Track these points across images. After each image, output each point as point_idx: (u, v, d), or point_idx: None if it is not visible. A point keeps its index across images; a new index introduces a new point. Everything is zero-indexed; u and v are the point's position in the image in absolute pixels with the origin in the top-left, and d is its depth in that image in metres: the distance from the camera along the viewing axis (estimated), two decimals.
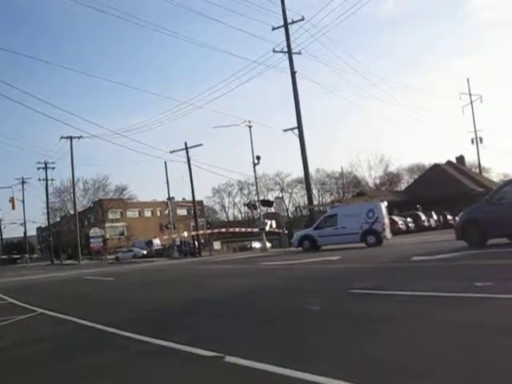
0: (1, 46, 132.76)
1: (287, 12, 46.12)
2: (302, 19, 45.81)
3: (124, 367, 6.32)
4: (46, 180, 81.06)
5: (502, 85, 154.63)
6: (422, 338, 6.11)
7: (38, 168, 80.00)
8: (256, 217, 62.28)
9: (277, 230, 53.00)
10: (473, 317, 6.93)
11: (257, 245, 58.43)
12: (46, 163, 79.52)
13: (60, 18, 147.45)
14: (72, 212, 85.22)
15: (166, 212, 71.03)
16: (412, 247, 24.35)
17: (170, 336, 7.53)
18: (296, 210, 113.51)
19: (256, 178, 53.29)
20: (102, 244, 76.45)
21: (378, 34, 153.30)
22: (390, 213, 46.87)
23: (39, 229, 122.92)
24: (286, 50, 46.10)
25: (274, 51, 46.69)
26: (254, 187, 58.78)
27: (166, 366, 6.16)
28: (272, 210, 60.61)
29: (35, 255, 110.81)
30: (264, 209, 58.72)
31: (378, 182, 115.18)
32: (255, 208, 58.53)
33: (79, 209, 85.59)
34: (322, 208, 60.31)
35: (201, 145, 58.92)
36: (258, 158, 49.50)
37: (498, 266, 12.69)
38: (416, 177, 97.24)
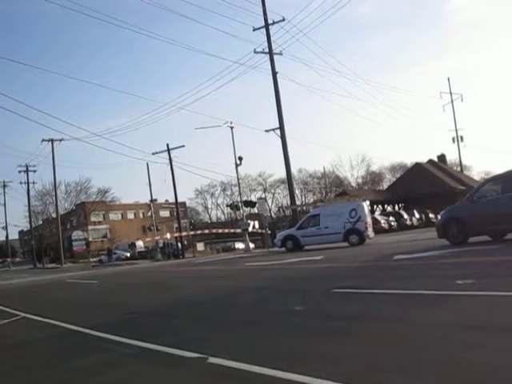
0: None
1: (268, 13, 46.23)
2: (283, 20, 45.92)
3: (106, 371, 6.31)
4: (28, 183, 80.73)
5: (482, 84, 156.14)
6: (401, 337, 6.15)
7: (20, 171, 79.69)
8: (239, 218, 62.26)
9: (260, 231, 53.04)
10: (453, 315, 6.98)
11: (240, 246, 58.49)
12: (27, 166, 79.14)
13: (42, 22, 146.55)
14: (54, 215, 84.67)
15: (149, 214, 70.86)
16: (394, 246, 24.44)
17: (154, 338, 7.53)
18: (279, 210, 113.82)
19: (238, 179, 53.34)
20: (84, 247, 76.13)
21: (357, 35, 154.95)
22: (372, 212, 47.06)
23: (21, 232, 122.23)
24: (267, 50, 46.17)
25: (255, 52, 46.73)
26: (237, 188, 58.75)
27: (149, 368, 6.17)
28: (255, 210, 60.61)
29: (17, 259, 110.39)
30: (247, 209, 58.74)
31: (360, 181, 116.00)
32: (238, 209, 58.59)
33: (61, 212, 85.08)
34: (304, 208, 60.43)
35: (183, 146, 58.92)
36: (240, 158, 49.46)
37: (479, 264, 12.76)
38: (398, 176, 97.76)
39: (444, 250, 17.08)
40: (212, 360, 5.91)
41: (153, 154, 58.33)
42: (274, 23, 45.93)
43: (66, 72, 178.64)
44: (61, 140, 68.32)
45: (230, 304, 11.20)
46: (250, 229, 51.60)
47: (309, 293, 11.21)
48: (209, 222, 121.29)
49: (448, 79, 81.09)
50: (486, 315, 6.75)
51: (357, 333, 6.61)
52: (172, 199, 66.09)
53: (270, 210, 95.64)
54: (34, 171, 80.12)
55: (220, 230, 68.72)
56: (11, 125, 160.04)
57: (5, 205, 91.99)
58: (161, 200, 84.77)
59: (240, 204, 55.44)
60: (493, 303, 7.56)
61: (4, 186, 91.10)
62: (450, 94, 79.49)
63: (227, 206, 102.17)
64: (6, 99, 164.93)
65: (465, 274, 10.35)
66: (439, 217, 22.24)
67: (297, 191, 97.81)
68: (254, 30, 46.55)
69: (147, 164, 60.77)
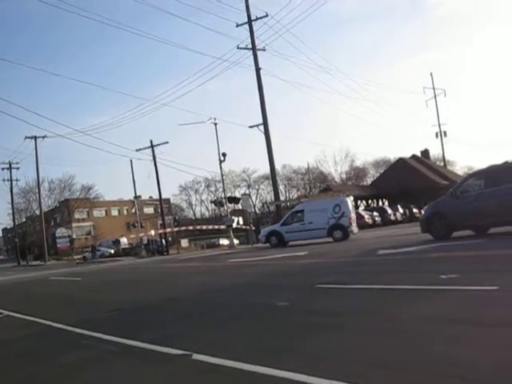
0: None
1: (251, 9, 46.18)
2: (266, 16, 45.93)
3: (90, 368, 6.29)
4: (11, 180, 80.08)
5: (465, 78, 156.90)
6: (385, 332, 6.17)
7: (3, 168, 79.06)
8: (223, 214, 62.15)
9: (244, 227, 53.06)
10: (437, 309, 7.01)
11: (224, 242, 58.42)
12: (10, 163, 78.45)
13: (28, 19, 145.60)
14: (38, 212, 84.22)
15: (133, 211, 70.64)
16: (378, 241, 24.51)
17: (137, 335, 7.52)
18: (263, 206, 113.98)
19: (222, 175, 53.22)
20: (68, 244, 75.83)
21: (339, 30, 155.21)
22: (356, 207, 47.17)
23: (4, 230, 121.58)
24: (250, 46, 46.11)
25: (239, 48, 46.70)
26: (221, 184, 58.65)
27: (133, 365, 6.16)
28: (239, 206, 60.59)
29: (1, 257, 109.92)
30: (231, 206, 58.77)
31: (344, 176, 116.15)
32: (222, 205, 58.47)
33: (45, 209, 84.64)
34: (288, 204, 60.50)
35: (167, 143, 58.63)
36: (224, 155, 49.46)
37: (462, 258, 12.84)
38: (382, 171, 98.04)
39: (428, 245, 17.15)
40: (196, 357, 5.90)
41: (136, 150, 58.22)
42: (257, 19, 45.96)
43: (52, 69, 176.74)
44: (44, 137, 68.02)
45: (213, 300, 11.18)
46: (235, 225, 51.61)
47: (293, 288, 11.23)
48: (193, 218, 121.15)
49: (431, 74, 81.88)
50: (471, 309, 6.77)
51: (340, 328, 6.62)
52: (156, 196, 65.90)
53: (254, 206, 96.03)
54: (17, 168, 79.54)
55: (204, 227, 68.57)
56: None
57: None
58: (145, 196, 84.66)
59: (224, 200, 55.39)
60: (477, 297, 7.59)
61: None
62: (433, 89, 79.86)
63: (211, 202, 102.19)
64: None
65: (448, 269, 10.41)
66: (423, 212, 22.36)
67: (281, 187, 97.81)
68: (237, 25, 46.51)
69: (131, 161, 60.55)
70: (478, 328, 5.80)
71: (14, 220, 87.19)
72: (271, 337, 6.66)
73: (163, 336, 7.39)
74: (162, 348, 6.55)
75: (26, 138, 68.84)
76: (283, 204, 53.18)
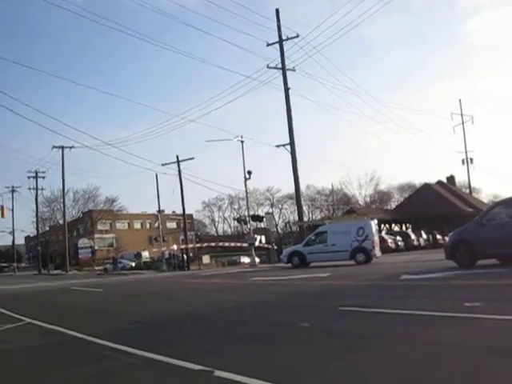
0: None
1: (282, 29, 46.37)
2: (297, 36, 46.02)
3: (110, 379, 6.29)
4: (37, 189, 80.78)
5: (493, 107, 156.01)
6: (409, 356, 6.11)
7: (29, 177, 79.79)
8: (245, 232, 62.10)
9: (266, 246, 52.92)
10: (462, 337, 6.94)
11: (245, 260, 58.28)
12: (36, 172, 79.19)
13: (53, 28, 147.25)
14: (61, 222, 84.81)
15: (156, 225, 70.75)
16: (401, 266, 24.34)
17: (158, 349, 7.50)
18: (286, 225, 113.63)
19: (247, 193, 53.23)
20: (90, 255, 76.13)
21: (369, 53, 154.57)
22: (379, 231, 46.92)
23: (27, 238, 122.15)
24: (280, 66, 46.27)
25: (269, 67, 46.82)
26: (245, 202, 58.72)
27: (153, 378, 6.16)
28: (261, 225, 60.54)
29: (23, 264, 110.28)
30: (254, 224, 58.65)
31: (368, 199, 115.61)
32: (245, 223, 58.43)
33: (68, 219, 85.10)
34: (311, 224, 60.35)
35: (192, 158, 58.76)
36: (250, 172, 49.36)
37: (487, 287, 12.71)
38: (406, 195, 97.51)
39: (452, 272, 17.00)
40: (218, 373, 5.87)
41: (162, 165, 58.39)
42: (287, 39, 46.12)
43: (73, 78, 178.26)
44: (71, 147, 68.61)
45: (235, 317, 11.17)
46: (257, 243, 51.46)
47: (315, 309, 11.19)
48: (215, 234, 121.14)
49: (459, 100, 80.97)
50: (496, 338, 6.70)
51: (363, 351, 6.57)
52: (179, 210, 65.92)
53: (276, 225, 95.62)
54: (44, 177, 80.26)
55: (226, 244, 68.54)
56: (22, 130, 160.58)
57: (12, 210, 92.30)
58: (168, 211, 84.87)
59: (248, 218, 55.32)
60: (502, 327, 7.51)
61: (13, 191, 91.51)
62: (461, 115, 79.40)
63: (235, 219, 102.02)
64: (18, 104, 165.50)
65: (473, 297, 10.31)
66: (447, 238, 22.17)
67: (304, 207, 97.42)
68: (268, 45, 46.67)
69: (156, 175, 60.81)
70: (505, 359, 5.72)
71: (37, 228, 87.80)
72: (294, 357, 6.62)
73: (184, 351, 7.37)
74: (183, 363, 6.52)
75: (54, 147, 69.53)
76: (306, 225, 52.89)
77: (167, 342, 8.51)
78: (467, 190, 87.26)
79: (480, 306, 9.27)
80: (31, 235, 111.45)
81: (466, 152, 79.01)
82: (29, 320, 12.98)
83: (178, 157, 57.89)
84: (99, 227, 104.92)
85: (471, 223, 19.99)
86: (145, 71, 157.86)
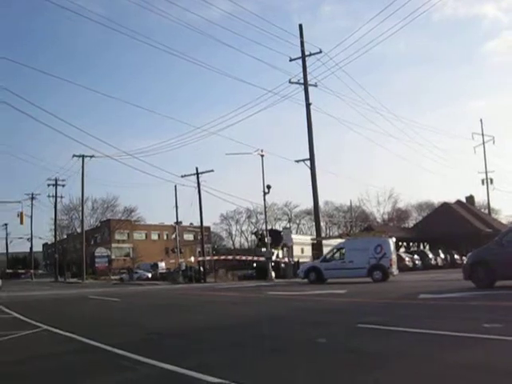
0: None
1: (305, 44, 46.49)
2: (320, 52, 46.05)
3: None
4: (56, 197, 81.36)
5: None
6: (426, 376, 6.09)
7: (49, 185, 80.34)
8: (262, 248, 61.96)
9: (283, 261, 52.79)
10: (481, 358, 6.89)
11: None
12: (56, 180, 79.72)
13: (69, 35, 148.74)
14: (79, 230, 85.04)
15: (173, 236, 70.91)
16: (419, 285, 24.25)
17: (176, 360, 7.51)
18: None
19: (265, 208, 53.21)
20: (107, 264, 76.34)
21: (390, 70, 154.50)
22: (397, 249, 46.71)
23: (45, 245, 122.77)
24: (302, 81, 46.36)
25: (291, 82, 46.93)
26: (262, 216, 58.68)
27: None
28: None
29: (40, 271, 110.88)
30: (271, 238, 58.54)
31: (386, 217, 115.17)
32: (263, 237, 58.31)
33: (87, 228, 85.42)
34: (329, 241, 60.17)
35: (212, 171, 58.80)
36: (269, 187, 49.23)
37: (506, 308, 12.63)
38: (425, 214, 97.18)
39: (470, 292, 16.91)
40: None
41: (182, 176, 58.50)
42: (310, 55, 46.20)
43: (87, 85, 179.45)
44: (91, 156, 68.79)
45: (251, 332, 11.14)
46: (274, 258, 51.38)
47: (333, 326, 11.16)
48: (232, 248, 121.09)
49: (481, 121, 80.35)
50: None
51: (382, 368, 6.54)
52: (196, 222, 66.07)
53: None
54: (63, 185, 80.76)
55: (243, 257, 68.46)
56: (45, 138, 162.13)
57: (31, 217, 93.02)
58: (185, 223, 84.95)
59: (265, 232, 55.24)
60: None
61: (32, 199, 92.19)
62: (482, 135, 78.82)
63: (252, 233, 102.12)
64: (41, 113, 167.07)
65: (492, 318, 10.25)
66: (465, 258, 22.07)
67: (322, 223, 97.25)
68: (291, 60, 46.88)
69: (175, 186, 60.92)
70: None
71: (55, 236, 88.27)
72: (310, 373, 6.60)
73: (201, 363, 7.38)
74: (200, 375, 6.51)
75: (74, 156, 69.82)
76: (324, 241, 52.76)
77: (184, 353, 8.51)
78: (486, 211, 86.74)
79: (499, 327, 9.22)
80: (49, 242, 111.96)
81: (486, 172, 78.47)
82: (45, 327, 13.03)
83: (197, 169, 58.04)
84: (116, 237, 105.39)
85: (491, 244, 19.90)
86: (161, 81, 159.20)
